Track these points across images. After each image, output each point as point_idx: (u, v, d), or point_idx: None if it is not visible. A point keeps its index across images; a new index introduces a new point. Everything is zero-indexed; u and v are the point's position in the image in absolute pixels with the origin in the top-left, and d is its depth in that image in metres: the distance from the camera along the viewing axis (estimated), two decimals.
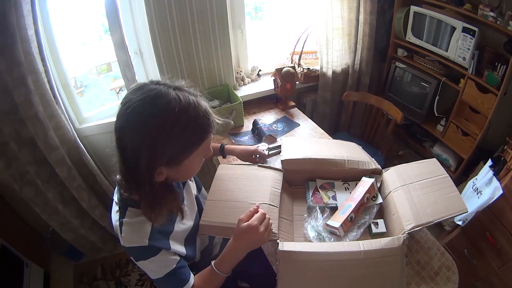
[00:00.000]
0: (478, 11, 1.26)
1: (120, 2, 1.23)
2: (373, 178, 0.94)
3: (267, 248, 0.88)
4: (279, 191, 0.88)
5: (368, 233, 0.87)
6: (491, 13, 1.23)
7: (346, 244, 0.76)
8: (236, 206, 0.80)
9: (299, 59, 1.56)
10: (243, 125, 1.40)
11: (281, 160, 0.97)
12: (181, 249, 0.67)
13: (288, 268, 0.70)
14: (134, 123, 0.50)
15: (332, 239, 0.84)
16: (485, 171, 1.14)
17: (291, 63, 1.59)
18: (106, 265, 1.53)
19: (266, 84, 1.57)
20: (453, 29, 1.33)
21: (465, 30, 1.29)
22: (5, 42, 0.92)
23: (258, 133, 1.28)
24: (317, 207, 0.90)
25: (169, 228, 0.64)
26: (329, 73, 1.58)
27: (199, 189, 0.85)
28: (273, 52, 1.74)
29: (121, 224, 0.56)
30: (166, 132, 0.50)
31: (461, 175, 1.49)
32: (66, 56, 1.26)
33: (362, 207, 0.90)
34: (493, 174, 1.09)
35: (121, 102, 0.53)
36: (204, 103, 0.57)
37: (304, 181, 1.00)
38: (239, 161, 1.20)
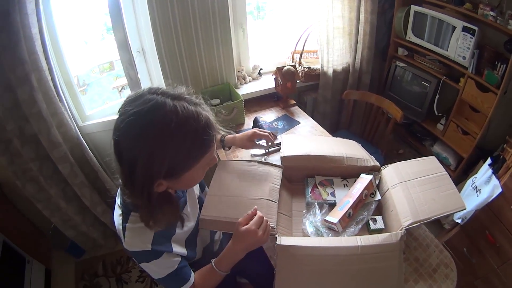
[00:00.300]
0: (478, 10, 1.27)
1: (123, 1, 1.24)
2: (372, 175, 0.95)
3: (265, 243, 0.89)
4: (278, 187, 0.89)
5: (367, 230, 0.88)
6: (491, 13, 1.24)
7: (344, 240, 0.77)
8: (235, 201, 0.81)
9: (300, 58, 1.57)
10: (244, 123, 1.42)
11: (281, 157, 0.98)
12: (183, 250, 0.68)
13: (285, 262, 0.71)
14: (129, 137, 0.49)
15: (330, 234, 0.84)
16: (484, 170, 1.15)
17: (292, 62, 1.61)
18: (107, 261, 1.54)
19: (267, 83, 1.58)
20: (453, 28, 1.34)
21: (465, 29, 1.30)
22: (9, 40, 0.94)
23: None
24: (316, 203, 0.91)
25: (171, 231, 0.65)
26: (330, 72, 1.59)
27: (202, 189, 0.86)
28: (274, 51, 1.75)
29: (124, 228, 0.57)
30: (162, 147, 0.48)
31: (461, 174, 1.50)
32: (69, 55, 1.27)
33: (360, 204, 0.91)
34: (492, 172, 1.09)
35: (118, 113, 0.51)
36: (206, 114, 0.53)
37: (303, 178, 1.01)
38: (240, 157, 1.22)
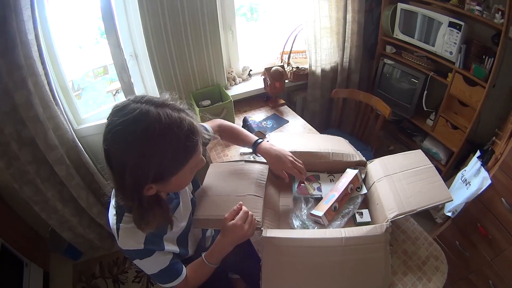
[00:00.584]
0: (464, 5, 1.26)
1: (115, 6, 1.25)
2: (357, 169, 0.93)
3: (253, 237, 0.88)
4: (264, 182, 0.88)
5: (353, 223, 0.86)
6: (477, 7, 1.22)
7: (328, 231, 0.76)
8: (224, 199, 0.81)
9: (289, 59, 1.57)
10: (234, 123, 1.41)
11: None
12: (174, 248, 0.69)
13: (271, 253, 0.71)
14: (117, 146, 0.50)
15: (316, 228, 0.83)
16: (473, 162, 1.12)
17: (281, 62, 1.60)
18: (104, 263, 1.53)
19: (256, 84, 1.57)
20: (440, 24, 1.33)
21: (451, 24, 1.29)
22: (6, 46, 0.93)
23: (247, 130, 1.28)
24: (302, 198, 0.90)
25: (163, 231, 0.66)
26: (318, 71, 1.58)
27: (196, 189, 0.86)
28: (264, 52, 1.74)
29: (118, 228, 0.58)
30: (148, 154, 0.49)
31: (452, 168, 1.47)
32: (64, 60, 1.27)
33: (346, 198, 0.90)
34: (481, 165, 1.07)
35: (106, 123, 0.52)
36: (189, 120, 0.53)
37: (290, 174, 1.00)
38: (229, 157, 1.22)
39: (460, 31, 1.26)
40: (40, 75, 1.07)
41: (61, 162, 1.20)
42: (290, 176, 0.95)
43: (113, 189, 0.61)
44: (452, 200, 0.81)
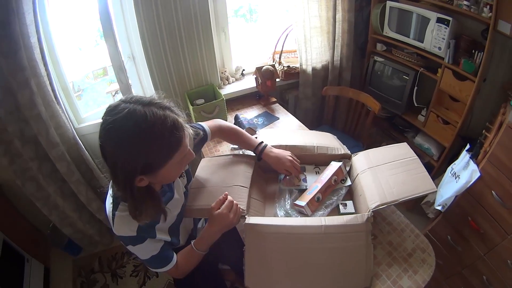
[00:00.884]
0: (453, 1, 1.24)
1: (113, 10, 1.27)
2: (341, 162, 0.92)
3: (240, 225, 0.89)
4: (250, 174, 0.90)
5: (338, 214, 0.85)
6: (465, 2, 1.20)
7: (309, 219, 0.76)
8: (212, 190, 0.84)
9: (280, 58, 1.58)
10: (226, 121, 1.42)
11: None
12: (166, 237, 0.72)
13: (253, 239, 0.72)
14: (109, 143, 0.54)
15: (299, 217, 0.83)
16: (463, 155, 1.09)
17: (273, 62, 1.61)
18: (103, 258, 1.54)
19: (249, 83, 1.57)
20: (428, 20, 1.31)
21: (439, 20, 1.27)
22: (10, 49, 0.97)
23: (239, 127, 1.29)
24: (287, 189, 0.90)
25: (156, 220, 0.68)
26: (309, 70, 1.57)
27: (189, 181, 0.89)
28: (257, 53, 1.74)
29: (113, 216, 0.62)
30: (135, 149, 0.53)
31: (444, 164, 1.43)
32: (65, 62, 1.30)
33: (330, 189, 0.88)
34: (470, 157, 1.04)
35: (101, 122, 0.55)
36: (173, 116, 0.56)
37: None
38: (221, 152, 1.22)
39: (448, 27, 1.24)
40: (42, 76, 1.10)
41: (62, 158, 1.22)
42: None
43: (111, 180, 0.64)
44: (436, 190, 0.79)
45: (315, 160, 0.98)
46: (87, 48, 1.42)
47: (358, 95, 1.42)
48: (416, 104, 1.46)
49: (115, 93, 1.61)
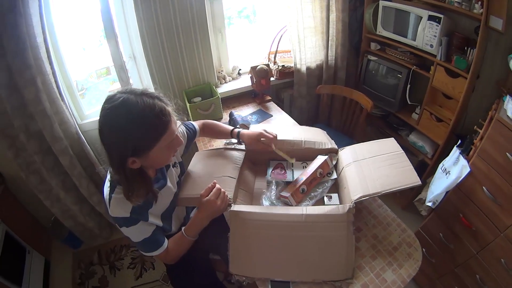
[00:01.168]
0: None
1: (115, 12, 1.32)
2: (327, 155, 0.93)
3: (228, 215, 0.90)
4: (239, 166, 0.92)
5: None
6: None
7: (291, 208, 0.77)
8: (203, 180, 0.86)
9: (275, 58, 1.59)
10: (222, 117, 1.44)
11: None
12: (158, 221, 0.75)
13: (237, 226, 0.74)
14: (105, 127, 0.60)
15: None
16: (453, 151, 1.07)
17: (268, 61, 1.63)
18: (103, 251, 1.56)
19: (245, 82, 1.59)
20: (420, 18, 1.30)
21: (430, 18, 1.26)
22: (17, 48, 1.01)
23: (232, 123, 1.31)
24: (274, 181, 0.91)
25: (149, 204, 0.72)
26: (303, 69, 1.57)
27: (182, 173, 0.92)
28: (254, 53, 1.75)
29: (110, 198, 0.66)
30: (126, 132, 0.59)
31: (438, 162, 1.40)
32: (69, 62, 1.34)
33: (315, 181, 0.89)
34: (460, 153, 1.02)
35: (100, 109, 0.61)
36: (161, 104, 0.62)
37: (267, 161, 1.01)
38: (214, 146, 1.24)
39: (439, 24, 1.23)
40: (47, 74, 1.14)
41: (65, 152, 1.26)
42: (265, 162, 0.98)
43: (109, 166, 0.68)
44: (420, 183, 0.78)
45: (302, 154, 0.98)
46: (90, 48, 1.47)
47: (351, 93, 1.42)
48: (409, 102, 1.44)
49: None
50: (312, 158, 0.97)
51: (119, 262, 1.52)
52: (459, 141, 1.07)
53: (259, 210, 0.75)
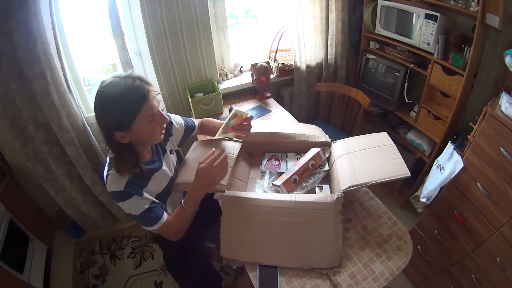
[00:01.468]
0: None
1: (121, 10, 1.36)
2: (320, 148, 0.94)
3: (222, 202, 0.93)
4: (235, 155, 0.94)
5: None
6: None
7: (280, 195, 0.79)
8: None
9: (275, 56, 1.63)
10: (222, 112, 1.47)
11: None
12: (153, 199, 0.77)
13: (228, 210, 0.77)
14: (96, 106, 0.68)
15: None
16: (447, 147, 1.07)
17: (269, 59, 1.66)
18: (104, 241, 1.59)
19: (246, 79, 1.62)
20: (417, 17, 1.31)
21: (427, 16, 1.27)
22: (28, 43, 1.07)
23: None
24: (268, 171, 0.93)
25: (143, 183, 0.76)
26: (303, 67, 1.60)
27: (180, 160, 0.96)
28: (257, 50, 1.78)
29: (107, 174, 0.72)
30: (108, 107, 0.66)
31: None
32: (77, 58, 1.39)
33: (307, 172, 0.90)
34: (454, 148, 1.02)
35: None
36: (140, 83, 0.68)
37: (263, 153, 1.04)
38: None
39: (436, 22, 1.24)
40: (56, 68, 1.19)
41: (71, 143, 1.31)
42: (261, 155, 1.02)
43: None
44: (409, 175, 0.79)
45: (297, 147, 1.00)
46: (98, 45, 1.53)
47: (349, 90, 1.43)
48: (407, 100, 1.45)
49: None
50: (306, 151, 0.99)
51: (120, 251, 1.56)
52: (454, 137, 1.07)
53: (249, 195, 0.77)
